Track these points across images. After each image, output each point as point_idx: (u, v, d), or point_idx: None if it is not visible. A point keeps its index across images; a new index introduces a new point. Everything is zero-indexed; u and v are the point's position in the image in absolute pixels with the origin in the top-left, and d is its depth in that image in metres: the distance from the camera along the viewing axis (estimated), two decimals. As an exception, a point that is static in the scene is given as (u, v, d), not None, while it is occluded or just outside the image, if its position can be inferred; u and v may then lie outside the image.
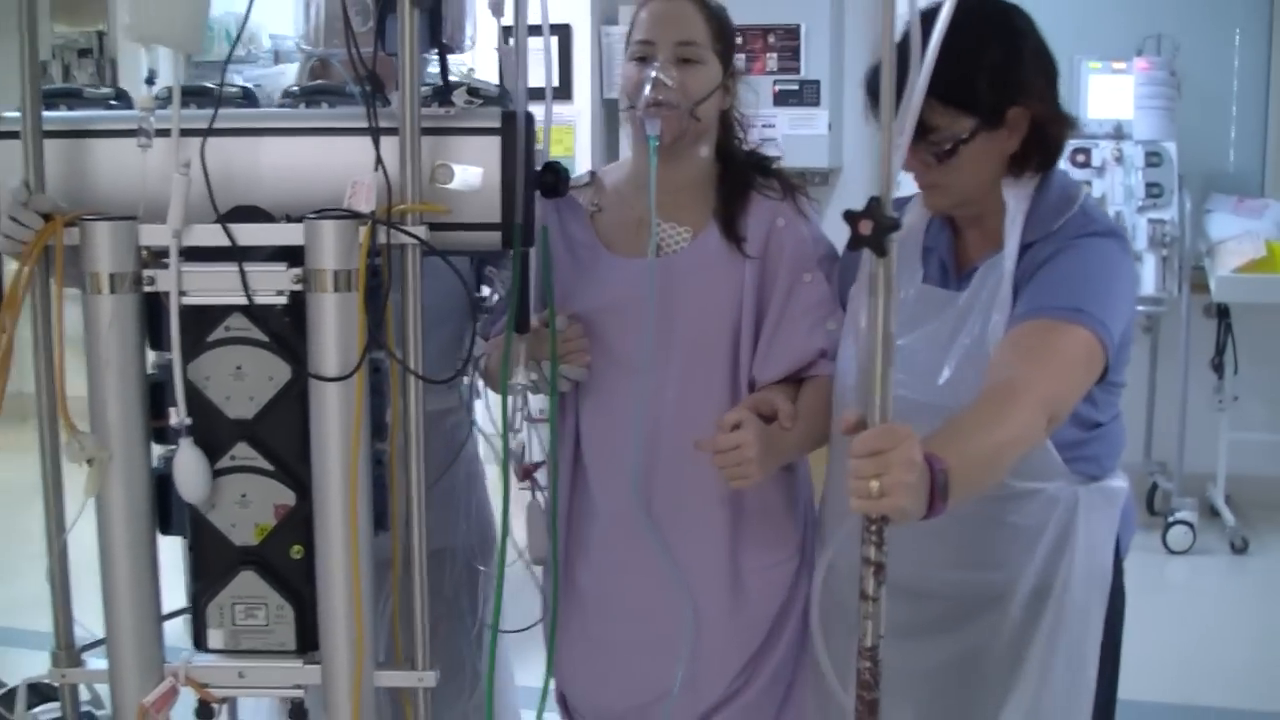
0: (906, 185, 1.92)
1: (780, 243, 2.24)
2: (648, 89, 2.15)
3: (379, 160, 1.73)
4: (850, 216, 1.52)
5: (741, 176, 2.29)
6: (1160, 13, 6.09)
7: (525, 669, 2.60)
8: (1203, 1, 6.19)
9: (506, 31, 1.87)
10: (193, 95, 1.83)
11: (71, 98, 1.92)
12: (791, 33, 5.77)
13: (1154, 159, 5.50)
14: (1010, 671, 2.06)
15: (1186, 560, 5.25)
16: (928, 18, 1.85)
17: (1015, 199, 2.02)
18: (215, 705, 1.82)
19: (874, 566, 1.56)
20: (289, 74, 6.26)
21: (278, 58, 6.51)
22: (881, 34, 1.58)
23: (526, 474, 2.27)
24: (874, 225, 1.51)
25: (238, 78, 5.67)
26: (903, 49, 1.58)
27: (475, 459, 2.54)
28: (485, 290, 2.40)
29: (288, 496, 1.78)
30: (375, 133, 1.73)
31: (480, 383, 2.41)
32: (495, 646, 2.23)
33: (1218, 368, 5.77)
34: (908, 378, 1.81)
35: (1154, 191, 5.45)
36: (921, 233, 2.12)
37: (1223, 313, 5.76)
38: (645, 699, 2.32)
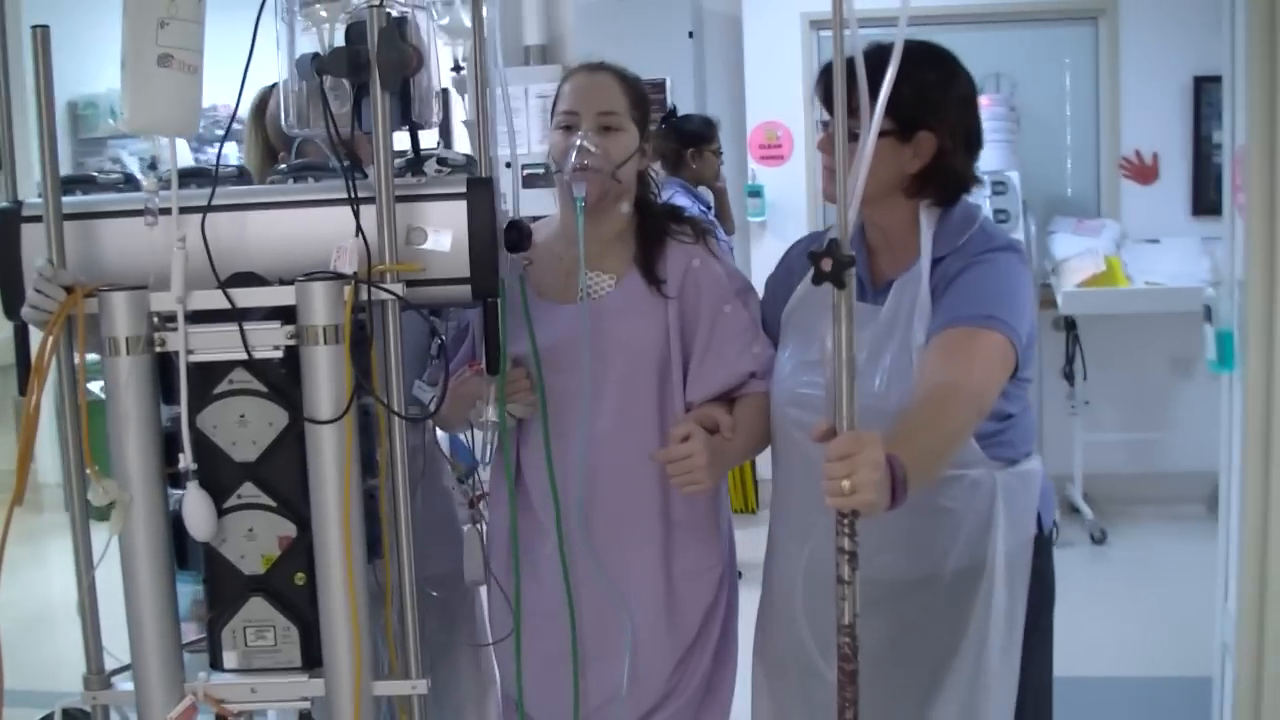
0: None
1: (697, 281, 2.37)
2: (573, 155, 2.28)
3: (359, 227, 1.83)
4: (813, 256, 1.67)
5: (657, 225, 2.42)
6: (998, 52, 6.46)
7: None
8: (1034, 40, 6.55)
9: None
10: (192, 176, 1.93)
11: (86, 183, 2.03)
12: (658, 86, 6.05)
13: (999, 187, 5.78)
14: (946, 648, 2.17)
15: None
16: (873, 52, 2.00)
17: (926, 223, 2.17)
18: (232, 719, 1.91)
19: (848, 555, 1.71)
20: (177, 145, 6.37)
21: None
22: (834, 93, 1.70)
23: (472, 504, 2.41)
24: (834, 263, 1.66)
25: (123, 153, 5.59)
26: (852, 72, 1.69)
27: (450, 493, 2.62)
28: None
29: (290, 529, 1.87)
30: (355, 202, 1.84)
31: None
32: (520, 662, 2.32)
33: (1068, 376, 6.13)
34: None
35: (1001, 217, 5.69)
36: None
37: (1070, 325, 6.10)
38: (595, 703, 2.41)
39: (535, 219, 2.29)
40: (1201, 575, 3.86)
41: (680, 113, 5.52)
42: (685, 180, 5.20)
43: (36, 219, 1.89)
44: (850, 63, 1.71)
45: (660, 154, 4.56)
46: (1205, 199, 6.27)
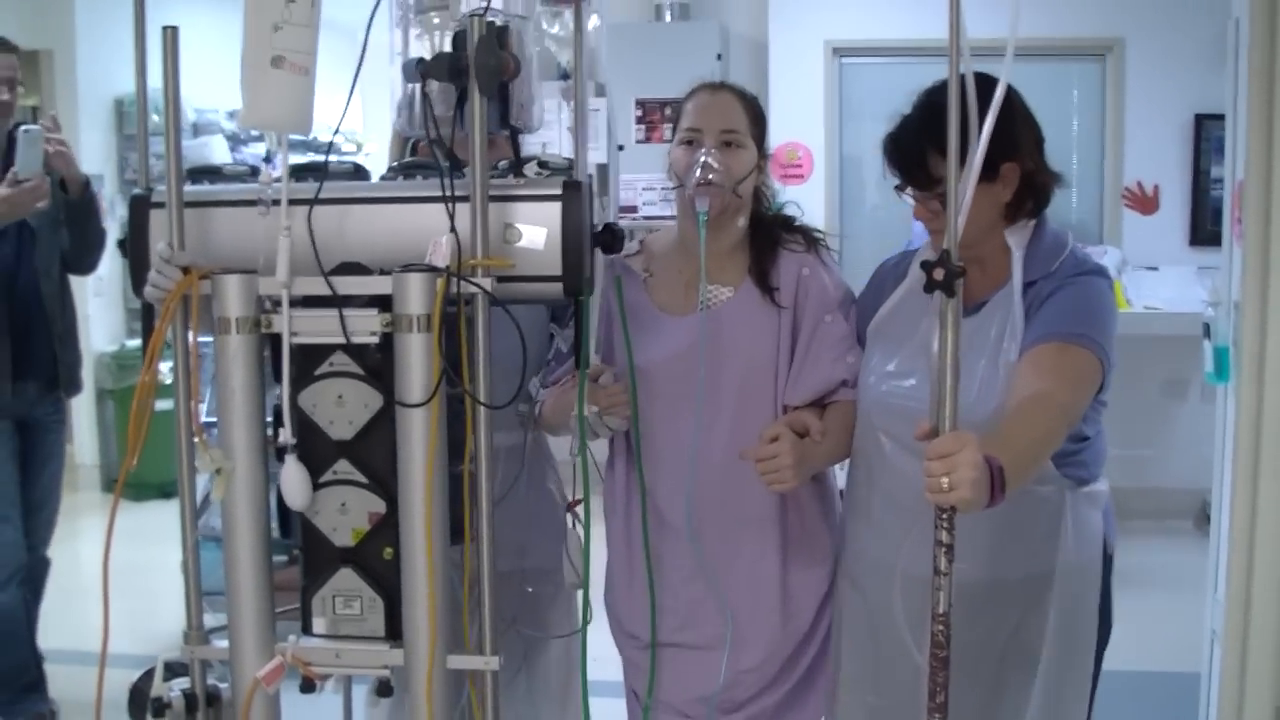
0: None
1: (806, 289, 2.36)
2: (697, 171, 2.27)
3: (453, 223, 1.85)
4: (926, 266, 1.70)
5: (770, 235, 2.41)
6: (1010, 84, 6.40)
7: (601, 667, 2.66)
8: (1045, 74, 6.56)
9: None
10: (309, 171, 1.96)
11: (213, 174, 2.06)
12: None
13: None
14: (1016, 651, 2.20)
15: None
16: (932, 93, 2.02)
17: (1016, 244, 2.17)
18: (318, 682, 1.93)
19: (945, 547, 1.73)
20: (211, 146, 6.42)
21: (196, 130, 6.66)
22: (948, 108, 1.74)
23: (570, 508, 2.41)
24: (945, 272, 1.69)
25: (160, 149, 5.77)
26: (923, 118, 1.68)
27: (553, 493, 2.63)
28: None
29: (379, 505, 1.89)
30: (449, 200, 1.86)
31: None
32: (585, 654, 2.32)
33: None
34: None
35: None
36: None
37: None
38: (702, 693, 2.41)
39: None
40: (1187, 584, 3.91)
41: None
42: None
43: (161, 205, 1.93)
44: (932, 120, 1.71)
45: None
46: (1203, 230, 6.32)
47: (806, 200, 6.50)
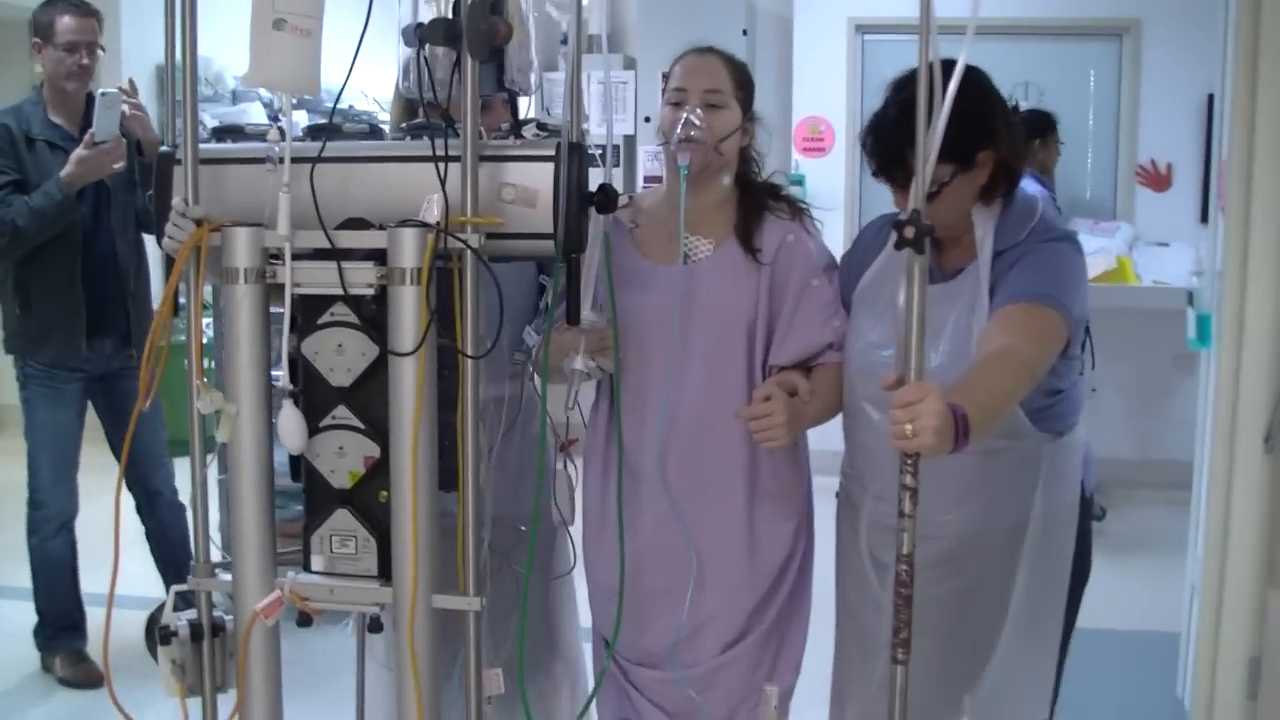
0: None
1: (790, 255, 2.40)
2: (679, 128, 2.32)
3: (442, 182, 1.87)
4: (897, 224, 1.73)
5: (757, 199, 2.45)
6: (1028, 63, 6.45)
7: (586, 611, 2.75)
8: (1062, 53, 6.56)
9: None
10: (323, 131, 1.99)
11: (236, 133, 2.11)
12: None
13: (1024, 190, 5.77)
14: (1000, 600, 2.26)
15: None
16: (903, 88, 2.05)
17: (982, 221, 2.21)
18: (314, 616, 1.99)
19: (910, 491, 1.77)
20: (250, 112, 6.46)
21: (235, 98, 6.66)
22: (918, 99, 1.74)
23: (563, 448, 2.45)
24: (915, 230, 1.72)
25: (205, 115, 5.81)
26: (899, 115, 1.72)
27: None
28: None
29: (374, 450, 1.93)
30: (439, 160, 1.88)
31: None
32: (527, 591, 2.33)
33: (1079, 364, 6.08)
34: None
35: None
36: None
37: (1082, 316, 6.06)
38: (669, 637, 2.44)
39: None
40: (1184, 551, 3.95)
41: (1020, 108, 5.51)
42: (1032, 169, 5.09)
43: (179, 161, 1.98)
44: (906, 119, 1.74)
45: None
46: (1214, 208, 6.27)
47: (827, 173, 6.64)
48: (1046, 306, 2.08)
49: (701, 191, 2.41)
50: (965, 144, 2.11)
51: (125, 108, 3.64)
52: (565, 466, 2.45)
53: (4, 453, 6.52)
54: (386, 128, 2.44)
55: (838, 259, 2.50)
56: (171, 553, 4.05)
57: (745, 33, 6.69)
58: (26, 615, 4.08)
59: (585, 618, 2.71)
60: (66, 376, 3.86)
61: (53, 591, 3.97)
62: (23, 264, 3.77)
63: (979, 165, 2.18)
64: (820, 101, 6.67)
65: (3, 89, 7.33)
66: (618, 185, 2.08)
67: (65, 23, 3.70)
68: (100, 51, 3.78)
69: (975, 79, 2.19)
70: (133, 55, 6.67)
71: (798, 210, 2.47)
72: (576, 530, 2.56)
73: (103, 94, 3.57)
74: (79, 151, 3.59)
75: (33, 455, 3.88)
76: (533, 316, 2.51)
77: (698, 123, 2.33)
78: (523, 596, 2.29)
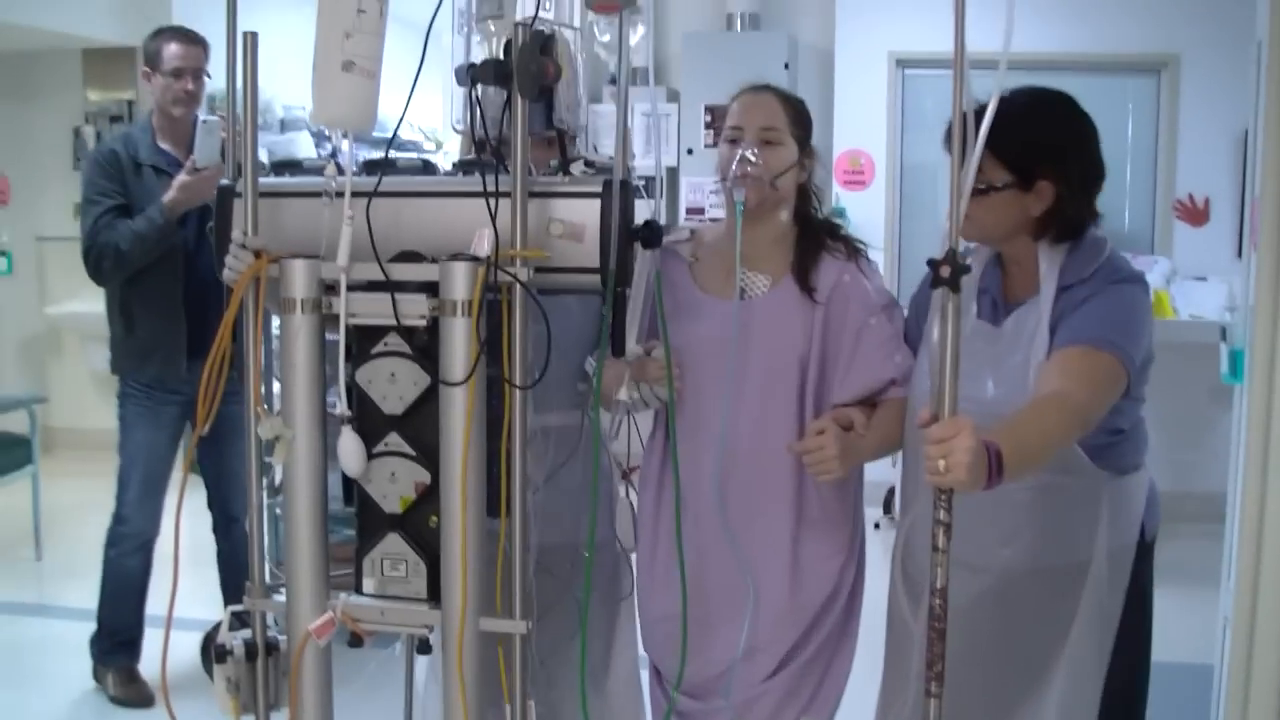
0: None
1: (845, 294, 2.41)
2: (735, 165, 2.35)
3: (493, 217, 1.90)
4: (933, 263, 1.74)
5: (815, 238, 2.46)
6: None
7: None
8: (1102, 87, 6.48)
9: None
10: (378, 166, 2.03)
11: (294, 167, 2.17)
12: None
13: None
14: (1051, 641, 2.23)
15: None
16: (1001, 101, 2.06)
17: (1048, 255, 2.20)
18: (365, 637, 2.00)
19: (944, 526, 1.77)
20: (298, 142, 6.52)
21: (284, 126, 6.72)
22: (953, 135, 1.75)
23: (625, 476, 2.47)
24: (950, 269, 1.73)
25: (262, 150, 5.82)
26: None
27: (606, 467, 2.63)
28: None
29: (425, 476, 1.95)
30: (489, 195, 1.91)
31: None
32: (586, 614, 2.31)
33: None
34: (964, 390, 1.95)
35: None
36: (976, 279, 2.30)
37: (1120, 348, 5.97)
38: (718, 666, 2.45)
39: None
40: (1219, 583, 3.91)
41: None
42: None
43: (239, 194, 2.03)
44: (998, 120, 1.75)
45: None
46: (1247, 243, 6.23)
47: (867, 206, 6.66)
48: (1106, 351, 2.06)
49: (759, 226, 2.42)
50: (1027, 156, 2.12)
51: (224, 134, 3.71)
52: (627, 494, 2.46)
53: (60, 474, 6.63)
54: (433, 158, 2.48)
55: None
56: (236, 576, 4.09)
57: (787, 66, 6.73)
58: (79, 634, 4.14)
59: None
60: (165, 398, 3.93)
61: (118, 605, 4.02)
62: (127, 286, 3.87)
63: (1036, 193, 2.16)
64: (861, 135, 6.70)
65: (56, 117, 7.49)
66: (660, 218, 2.10)
67: (172, 50, 3.79)
68: (207, 78, 3.87)
69: (1068, 109, 2.21)
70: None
71: (855, 251, 2.49)
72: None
73: (204, 121, 3.64)
74: (181, 177, 3.67)
75: (124, 471, 3.95)
76: (593, 348, 2.54)
77: (753, 159, 2.35)
78: (582, 622, 2.30)
